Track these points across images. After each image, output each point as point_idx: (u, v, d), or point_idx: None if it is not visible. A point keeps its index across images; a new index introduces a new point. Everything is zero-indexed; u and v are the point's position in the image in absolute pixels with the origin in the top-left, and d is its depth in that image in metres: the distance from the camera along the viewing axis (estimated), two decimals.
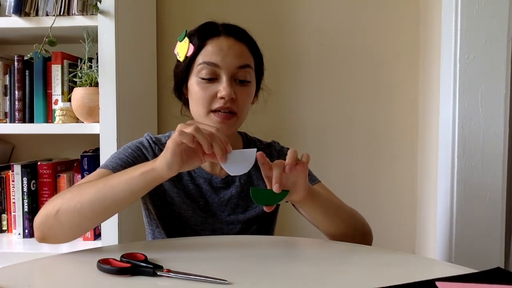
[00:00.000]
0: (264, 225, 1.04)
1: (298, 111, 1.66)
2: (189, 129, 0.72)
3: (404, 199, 1.65)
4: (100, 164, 1.30)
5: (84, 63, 1.37)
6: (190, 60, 0.94)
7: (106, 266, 0.69)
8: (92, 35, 1.34)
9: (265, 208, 0.80)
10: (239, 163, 0.75)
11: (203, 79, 0.92)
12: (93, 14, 1.32)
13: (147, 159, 0.96)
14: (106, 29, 1.30)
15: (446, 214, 1.26)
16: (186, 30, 0.97)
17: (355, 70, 1.64)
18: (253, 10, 1.66)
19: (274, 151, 1.07)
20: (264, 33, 1.66)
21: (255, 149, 0.76)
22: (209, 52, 0.92)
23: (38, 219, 0.81)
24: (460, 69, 1.21)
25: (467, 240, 1.22)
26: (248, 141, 1.07)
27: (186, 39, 0.95)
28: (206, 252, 0.82)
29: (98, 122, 1.32)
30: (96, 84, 1.34)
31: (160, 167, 0.75)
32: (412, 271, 0.73)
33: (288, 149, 1.08)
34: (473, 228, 1.22)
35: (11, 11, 1.34)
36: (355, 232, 0.93)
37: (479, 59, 1.20)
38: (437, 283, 0.63)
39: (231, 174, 0.77)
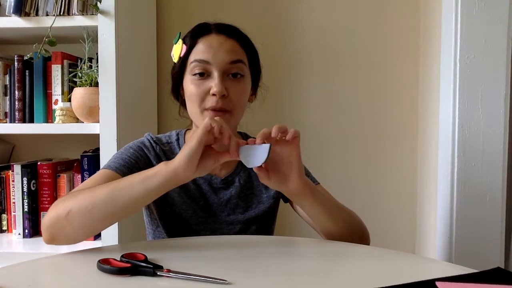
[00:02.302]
0: (263, 225, 1.04)
1: (298, 110, 1.66)
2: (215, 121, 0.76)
3: (404, 199, 1.65)
4: (100, 164, 1.31)
5: (84, 63, 1.37)
6: (183, 60, 0.95)
7: (106, 266, 0.69)
8: (92, 35, 1.34)
9: (254, 169, 0.81)
10: (254, 156, 0.78)
11: (195, 76, 0.92)
12: (93, 14, 1.32)
13: (148, 159, 0.97)
14: (106, 29, 1.30)
15: (446, 214, 1.26)
16: (180, 33, 0.98)
17: (355, 69, 1.64)
18: (254, 10, 1.66)
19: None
20: (265, 33, 1.66)
21: (269, 144, 0.78)
22: (200, 50, 0.93)
23: (47, 221, 0.80)
24: (460, 69, 1.21)
25: (467, 240, 1.22)
26: None
27: (180, 41, 0.96)
28: (206, 252, 0.82)
29: (98, 122, 1.32)
30: (96, 84, 1.34)
31: (178, 160, 0.76)
32: (412, 271, 0.73)
33: None
34: (473, 228, 1.22)
35: (11, 11, 1.33)
36: (353, 234, 0.93)
37: (479, 59, 1.20)
38: (437, 283, 0.63)
39: (248, 166, 0.80)
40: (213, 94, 0.90)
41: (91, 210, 0.77)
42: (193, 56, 0.93)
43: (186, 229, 0.99)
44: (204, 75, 0.92)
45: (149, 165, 0.96)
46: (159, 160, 0.97)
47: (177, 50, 0.96)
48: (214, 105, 0.90)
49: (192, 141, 0.76)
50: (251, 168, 0.97)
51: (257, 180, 1.01)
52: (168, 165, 0.77)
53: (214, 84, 0.90)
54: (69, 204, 0.78)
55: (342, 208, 0.96)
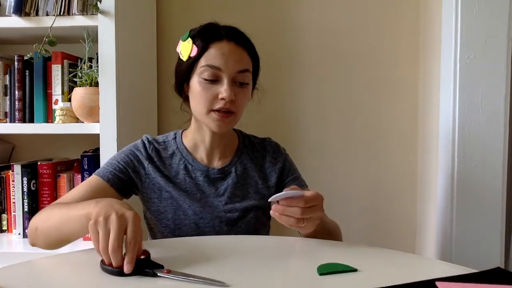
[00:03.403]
0: (261, 213, 1.07)
1: (298, 110, 1.66)
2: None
3: (404, 199, 1.65)
4: (100, 164, 1.31)
5: (84, 63, 1.37)
6: (193, 61, 0.98)
7: (108, 267, 0.69)
8: (92, 35, 1.34)
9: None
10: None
11: (205, 80, 0.97)
12: (93, 14, 1.32)
13: (139, 161, 1.03)
14: (106, 29, 1.30)
15: (446, 214, 1.26)
16: (190, 31, 1.01)
17: (355, 70, 1.64)
18: (253, 10, 1.66)
19: (269, 146, 1.14)
20: (264, 33, 1.66)
21: (302, 192, 0.80)
22: (212, 56, 0.96)
23: (28, 227, 0.92)
24: (460, 69, 1.21)
25: (467, 240, 1.22)
26: (243, 137, 1.14)
27: (190, 40, 0.99)
28: (206, 252, 0.82)
29: (98, 122, 1.32)
30: (96, 84, 1.34)
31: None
32: (412, 271, 0.73)
33: (283, 148, 1.15)
34: (473, 228, 1.22)
35: (11, 11, 1.34)
36: (324, 235, 0.97)
37: (479, 59, 1.20)
38: (437, 283, 0.63)
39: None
40: (222, 99, 0.96)
41: (48, 234, 0.87)
42: (204, 60, 0.97)
43: (184, 220, 1.02)
44: (213, 81, 0.97)
45: (141, 166, 1.03)
46: (150, 160, 1.04)
47: (186, 48, 0.99)
48: (222, 106, 0.96)
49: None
50: (247, 161, 1.07)
51: (252, 171, 1.08)
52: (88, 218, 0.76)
53: (223, 89, 0.96)
54: (37, 221, 0.89)
55: (328, 224, 1.02)
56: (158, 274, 0.68)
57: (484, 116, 1.21)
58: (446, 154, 1.25)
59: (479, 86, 1.21)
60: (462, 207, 1.22)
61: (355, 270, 0.71)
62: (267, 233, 1.13)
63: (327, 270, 0.71)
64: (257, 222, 1.06)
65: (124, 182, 1.01)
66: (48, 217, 0.88)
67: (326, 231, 0.99)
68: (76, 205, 0.83)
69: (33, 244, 0.92)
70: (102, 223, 0.70)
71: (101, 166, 1.02)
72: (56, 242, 0.88)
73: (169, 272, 0.68)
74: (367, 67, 1.64)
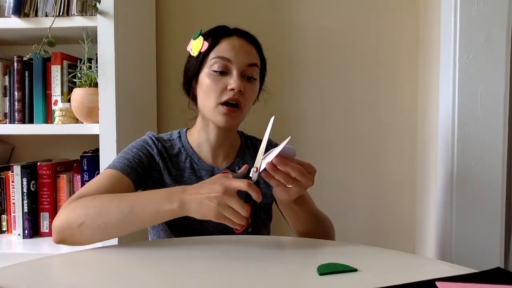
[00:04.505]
0: (264, 211, 1.09)
1: (298, 110, 1.66)
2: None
3: (404, 199, 1.65)
4: (100, 165, 1.31)
5: (83, 63, 1.37)
6: (203, 55, 1.01)
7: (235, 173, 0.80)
8: (91, 35, 1.34)
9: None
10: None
11: (215, 71, 0.99)
12: (92, 15, 1.32)
13: (152, 156, 1.03)
14: (105, 29, 1.30)
15: (445, 214, 1.26)
16: (201, 30, 1.04)
17: (355, 70, 1.64)
18: (253, 10, 1.66)
19: (269, 146, 1.13)
20: (264, 33, 1.65)
21: (295, 150, 0.81)
22: (223, 48, 0.99)
23: (58, 224, 0.84)
24: (459, 68, 1.21)
25: (466, 240, 1.22)
26: (245, 138, 1.14)
27: (201, 37, 1.02)
28: (207, 251, 0.82)
29: (98, 122, 1.32)
30: (96, 85, 1.34)
31: (191, 213, 0.80)
32: (412, 271, 0.73)
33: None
34: (473, 228, 1.22)
35: (11, 11, 1.33)
36: (317, 233, 0.99)
37: (478, 58, 1.20)
38: (437, 283, 0.63)
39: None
40: (231, 89, 0.98)
41: (104, 229, 0.82)
42: (214, 53, 1.00)
43: (189, 218, 1.01)
44: (223, 73, 0.99)
45: (152, 161, 1.03)
46: (161, 156, 1.04)
47: (197, 45, 1.02)
48: (231, 97, 0.98)
49: (207, 212, 0.79)
50: (249, 161, 1.08)
51: None
52: (183, 211, 0.80)
53: (232, 80, 0.98)
54: (81, 216, 0.83)
55: (319, 216, 1.03)
56: (251, 175, 0.81)
57: (483, 116, 1.21)
58: (446, 154, 1.25)
59: (478, 86, 1.21)
60: (462, 207, 1.22)
61: (355, 270, 0.71)
62: (268, 234, 1.13)
63: (327, 270, 0.71)
64: (259, 222, 1.06)
65: (140, 176, 1.00)
66: (101, 214, 0.82)
67: (319, 225, 1.01)
68: (147, 200, 0.83)
69: (62, 241, 0.85)
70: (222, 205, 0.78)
71: (113, 161, 0.99)
72: (115, 235, 0.85)
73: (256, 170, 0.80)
74: (367, 67, 1.64)
